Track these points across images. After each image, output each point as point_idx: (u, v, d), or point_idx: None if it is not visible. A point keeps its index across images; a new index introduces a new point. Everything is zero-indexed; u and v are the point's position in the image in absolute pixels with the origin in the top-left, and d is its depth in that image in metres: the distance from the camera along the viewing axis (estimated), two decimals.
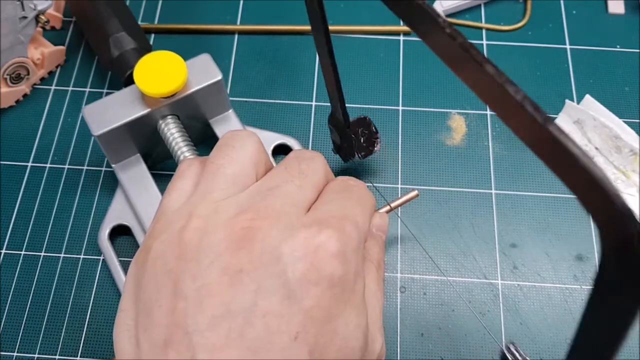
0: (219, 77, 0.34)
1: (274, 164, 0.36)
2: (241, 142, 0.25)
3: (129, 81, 0.34)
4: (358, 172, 0.38)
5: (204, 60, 0.34)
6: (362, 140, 0.34)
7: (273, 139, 0.38)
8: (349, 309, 0.22)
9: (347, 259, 0.22)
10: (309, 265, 0.21)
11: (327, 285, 0.21)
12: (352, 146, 0.34)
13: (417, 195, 0.33)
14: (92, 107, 0.33)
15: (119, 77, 0.37)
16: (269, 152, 0.37)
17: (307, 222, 0.22)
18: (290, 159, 0.25)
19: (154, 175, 0.35)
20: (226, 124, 0.37)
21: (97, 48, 0.39)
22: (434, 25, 0.18)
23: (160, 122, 0.34)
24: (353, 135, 0.34)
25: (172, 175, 0.26)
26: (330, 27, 0.43)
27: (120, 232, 0.36)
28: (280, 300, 0.20)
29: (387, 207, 0.32)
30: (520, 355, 0.31)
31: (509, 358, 0.31)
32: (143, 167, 0.35)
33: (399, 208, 0.33)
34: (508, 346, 0.31)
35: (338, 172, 0.38)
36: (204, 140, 0.38)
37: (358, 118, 0.34)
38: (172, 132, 0.33)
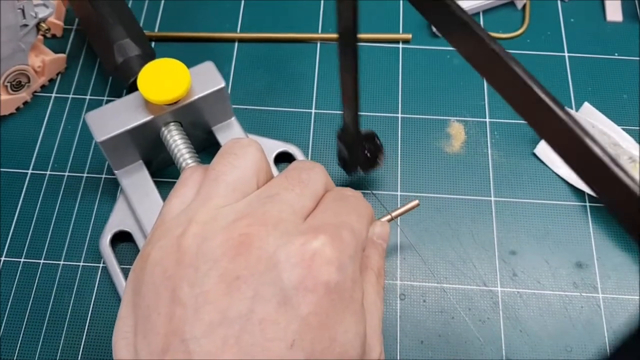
0: (222, 84, 0.34)
1: (275, 172, 0.36)
2: (243, 150, 0.25)
3: (133, 88, 0.34)
4: (358, 180, 0.38)
5: (207, 68, 0.34)
6: (368, 155, 0.34)
7: (275, 146, 0.38)
8: (347, 316, 0.22)
9: (344, 265, 0.22)
10: (305, 271, 0.21)
11: (323, 292, 0.21)
12: (358, 161, 0.34)
13: (417, 205, 0.33)
14: (95, 113, 0.33)
15: (122, 83, 0.37)
16: (271, 160, 0.37)
17: (304, 229, 0.22)
18: (292, 168, 0.26)
19: (156, 182, 0.35)
20: (229, 132, 0.37)
21: (101, 54, 0.39)
22: (465, 29, 0.18)
23: (163, 129, 0.34)
24: (361, 151, 0.34)
25: (174, 182, 0.26)
26: (330, 35, 0.44)
27: (122, 239, 0.36)
28: (276, 307, 0.20)
29: (388, 217, 0.32)
30: None
31: None
32: (145, 173, 0.35)
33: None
34: None
35: (342, 185, 0.38)
36: (206, 147, 0.38)
37: (365, 132, 0.34)
38: (174, 139, 0.34)
